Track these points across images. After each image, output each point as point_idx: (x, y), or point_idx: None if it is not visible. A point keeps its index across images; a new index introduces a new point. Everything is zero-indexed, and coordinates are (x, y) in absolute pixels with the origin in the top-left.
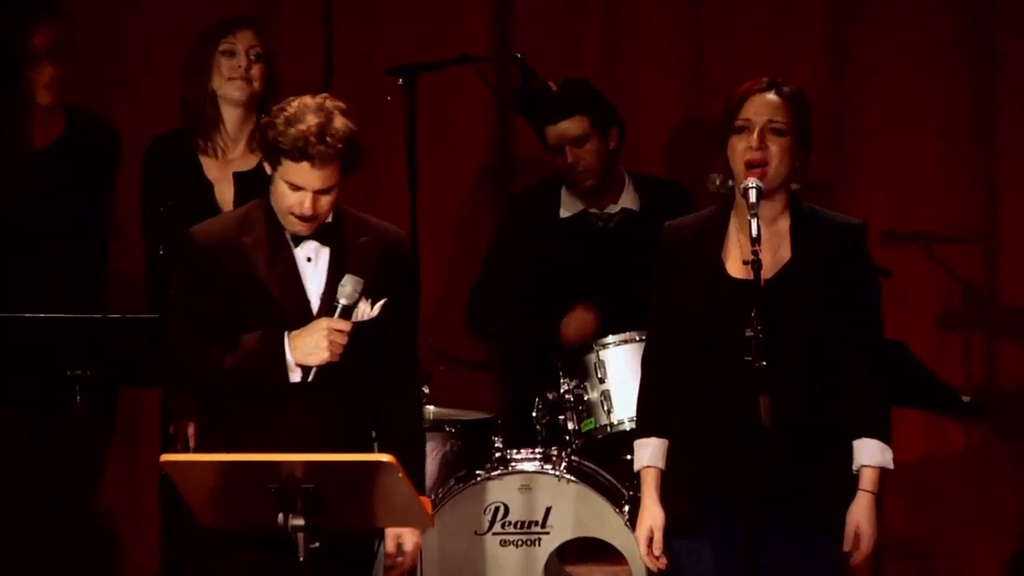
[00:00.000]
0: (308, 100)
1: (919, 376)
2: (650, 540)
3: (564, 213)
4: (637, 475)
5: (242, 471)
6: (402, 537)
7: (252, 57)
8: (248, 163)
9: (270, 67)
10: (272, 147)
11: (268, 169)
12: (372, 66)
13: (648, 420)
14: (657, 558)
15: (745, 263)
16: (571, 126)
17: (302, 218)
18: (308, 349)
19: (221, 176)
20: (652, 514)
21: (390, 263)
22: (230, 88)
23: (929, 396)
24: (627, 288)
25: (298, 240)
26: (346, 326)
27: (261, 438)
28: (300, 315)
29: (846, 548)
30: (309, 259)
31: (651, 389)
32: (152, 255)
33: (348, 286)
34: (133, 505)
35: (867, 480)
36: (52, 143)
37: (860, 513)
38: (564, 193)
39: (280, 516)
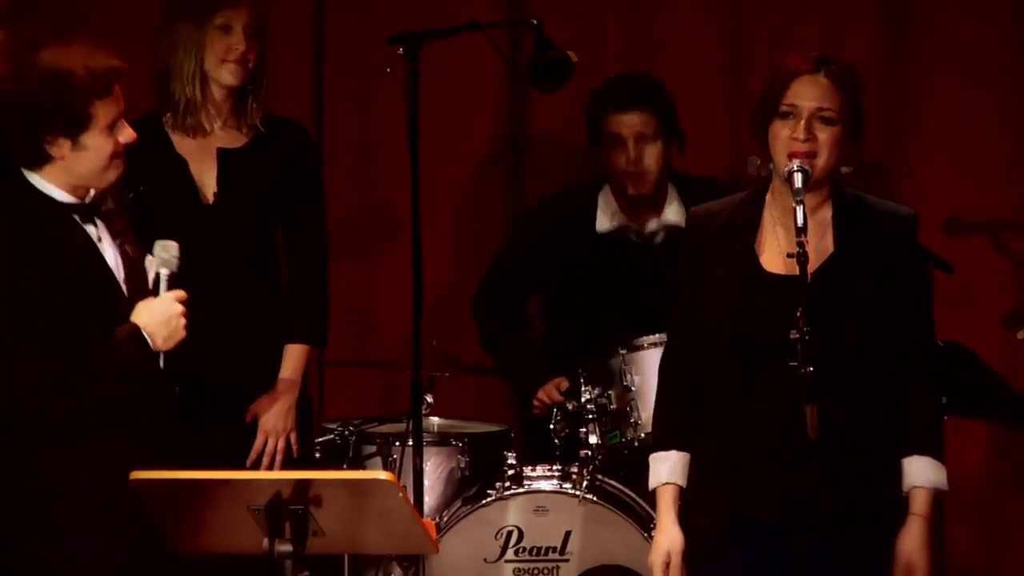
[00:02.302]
0: None
1: (986, 383)
2: (667, 565)
3: (601, 227)
4: (652, 493)
5: (221, 490)
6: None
7: (249, 35)
8: (231, 140)
9: (263, 44)
10: None
11: None
12: (370, 34)
13: (667, 432)
14: None
15: (789, 256)
16: (640, 120)
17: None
18: (168, 332)
19: (200, 151)
20: (670, 537)
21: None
22: (224, 72)
23: (997, 405)
24: (663, 312)
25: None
26: (182, 295)
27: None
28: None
29: None
30: (100, 239)
31: (671, 398)
32: None
33: (167, 252)
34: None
35: (919, 503)
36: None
37: (912, 541)
38: (602, 203)
39: (265, 541)
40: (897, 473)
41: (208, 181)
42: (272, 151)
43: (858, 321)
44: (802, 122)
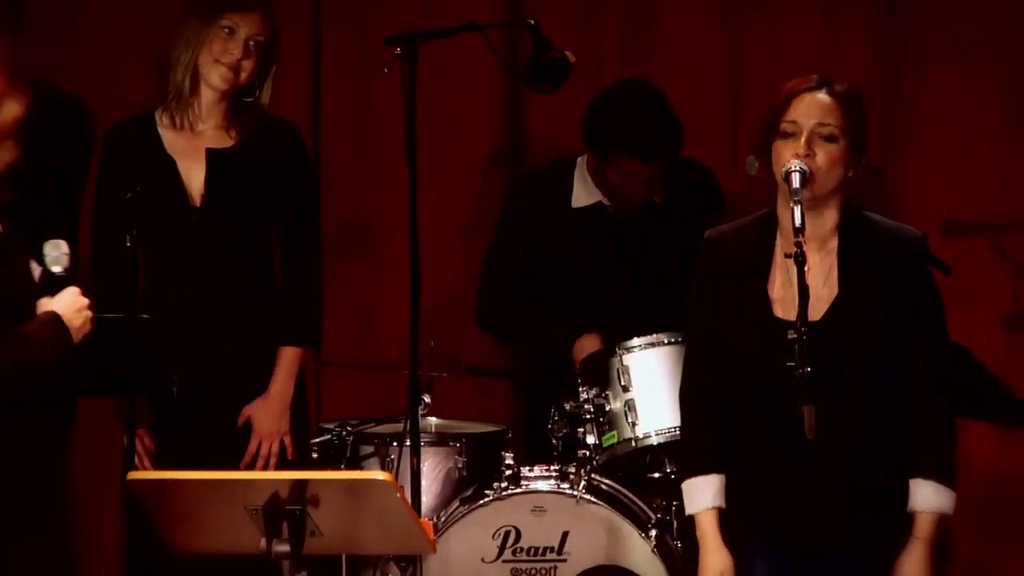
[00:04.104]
0: None
1: (983, 384)
2: None
3: (577, 203)
4: (689, 519)
5: (219, 490)
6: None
7: (250, 46)
8: (221, 140)
9: (266, 57)
10: None
11: None
12: (367, 35)
13: (703, 455)
14: None
15: (787, 256)
16: (652, 170)
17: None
18: (78, 325)
19: (189, 150)
20: (720, 559)
21: None
22: (214, 73)
23: (995, 406)
24: (647, 287)
25: None
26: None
27: None
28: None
29: None
30: None
31: (701, 421)
32: (109, 249)
33: (57, 250)
34: (92, 524)
35: (922, 527)
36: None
37: (912, 565)
38: (578, 178)
39: (263, 541)
40: (905, 496)
41: (196, 182)
42: (263, 152)
43: (866, 359)
44: (803, 138)
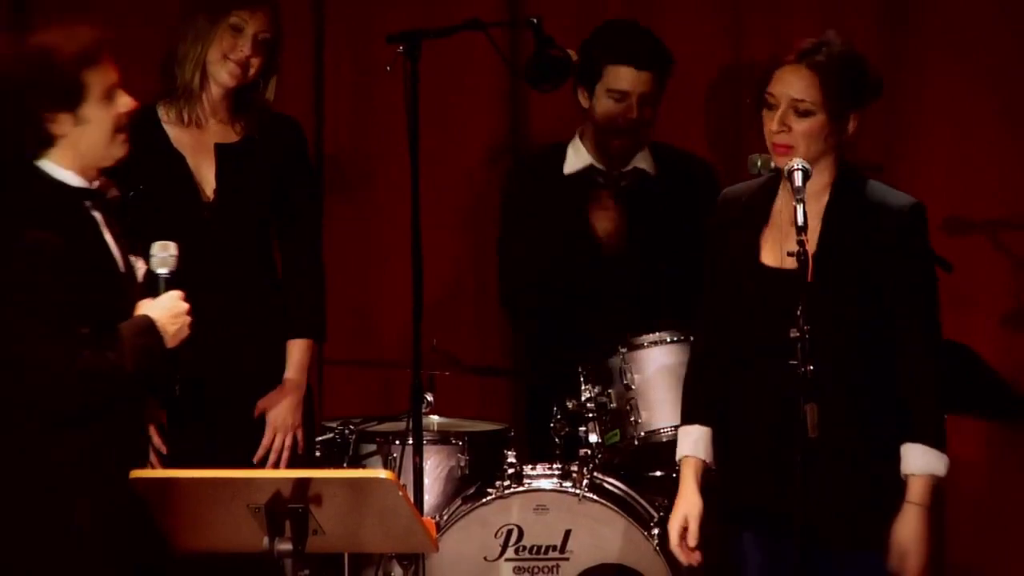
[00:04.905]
0: None
1: (983, 381)
2: (684, 531)
3: (568, 169)
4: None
5: (222, 489)
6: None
7: (258, 43)
8: (227, 136)
9: (272, 53)
10: None
11: None
12: (369, 32)
13: (690, 407)
14: (692, 551)
15: (789, 255)
16: (645, 79)
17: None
18: (174, 330)
19: (196, 145)
20: (689, 502)
21: None
22: (221, 70)
23: (994, 403)
24: (636, 257)
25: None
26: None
27: None
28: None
29: (892, 567)
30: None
31: (696, 373)
32: None
33: (165, 252)
34: None
35: (914, 490)
36: None
37: (906, 528)
38: (570, 151)
39: (265, 540)
40: (897, 463)
41: (207, 177)
42: (268, 147)
43: (845, 318)
44: (779, 113)
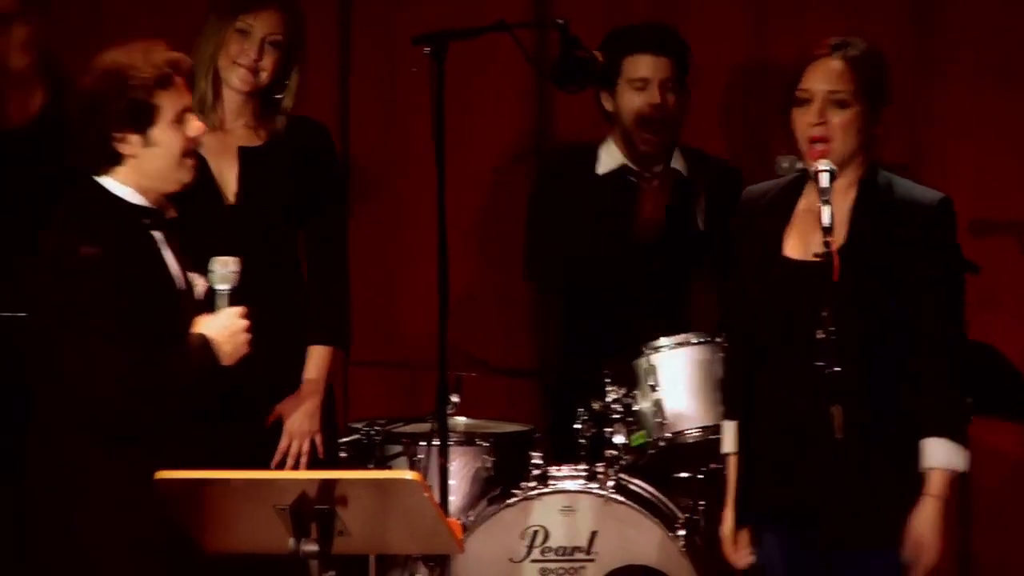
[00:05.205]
0: None
1: (1008, 382)
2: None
3: (601, 169)
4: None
5: (247, 490)
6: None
7: (268, 45)
8: (251, 139)
9: (288, 54)
10: None
11: None
12: (395, 34)
13: (726, 402)
14: (742, 552)
15: (816, 255)
16: (663, 65)
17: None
18: (232, 348)
19: (219, 148)
20: (731, 517)
21: None
22: (232, 75)
23: (1019, 405)
24: (667, 257)
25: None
26: (244, 311)
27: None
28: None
29: (907, 559)
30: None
31: (730, 368)
32: None
33: (224, 268)
34: None
35: (933, 484)
36: (33, 116)
37: (923, 520)
38: (603, 150)
39: (291, 541)
40: (917, 459)
41: (230, 180)
42: (293, 150)
43: (872, 318)
44: (815, 106)
